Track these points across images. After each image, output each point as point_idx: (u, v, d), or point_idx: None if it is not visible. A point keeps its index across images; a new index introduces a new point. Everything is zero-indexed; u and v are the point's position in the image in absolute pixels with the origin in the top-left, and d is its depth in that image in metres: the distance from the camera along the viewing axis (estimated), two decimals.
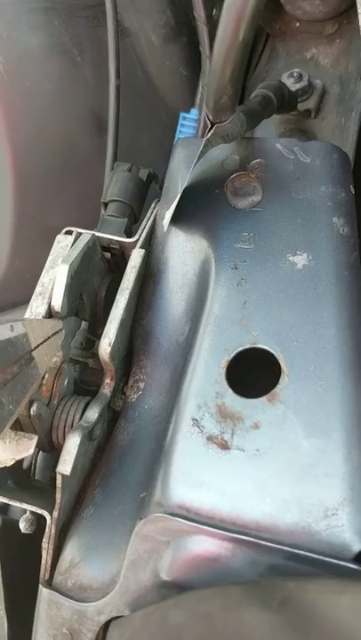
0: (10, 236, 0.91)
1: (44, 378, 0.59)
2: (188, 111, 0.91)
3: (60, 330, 0.58)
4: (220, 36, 0.48)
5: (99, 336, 0.73)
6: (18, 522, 0.77)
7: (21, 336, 0.52)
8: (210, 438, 0.50)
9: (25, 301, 0.97)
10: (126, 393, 0.64)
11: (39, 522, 0.64)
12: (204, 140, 0.56)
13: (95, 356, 0.74)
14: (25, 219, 0.91)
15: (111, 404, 0.63)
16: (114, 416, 0.64)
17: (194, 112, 0.88)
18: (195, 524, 0.46)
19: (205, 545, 0.46)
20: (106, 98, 0.87)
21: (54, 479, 0.60)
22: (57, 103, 0.87)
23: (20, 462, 0.65)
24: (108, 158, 0.80)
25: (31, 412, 0.55)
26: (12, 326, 0.50)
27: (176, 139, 0.90)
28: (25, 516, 0.65)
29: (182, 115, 0.89)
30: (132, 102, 0.90)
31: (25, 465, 0.69)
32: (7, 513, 0.80)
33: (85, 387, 0.67)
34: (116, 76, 0.80)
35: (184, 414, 0.52)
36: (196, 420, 0.51)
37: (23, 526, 0.65)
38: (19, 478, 0.63)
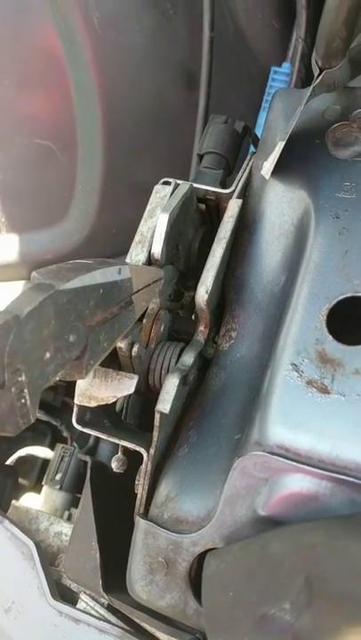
0: (99, 190, 0.93)
1: (142, 322, 0.61)
2: (278, 65, 0.89)
3: (160, 278, 0.60)
4: None
5: (188, 288, 0.76)
6: (104, 463, 0.82)
7: (126, 280, 0.54)
8: (309, 383, 0.50)
9: (110, 256, 1.00)
10: (218, 342, 0.66)
11: (130, 462, 0.67)
12: (311, 87, 0.56)
13: (183, 307, 0.76)
14: (114, 173, 0.92)
15: (203, 352, 0.65)
16: (204, 365, 0.66)
17: (286, 66, 0.87)
18: (295, 463, 0.48)
19: (304, 483, 0.47)
20: (196, 52, 0.87)
21: (149, 420, 0.63)
22: (148, 57, 0.88)
23: (113, 405, 0.68)
24: (199, 112, 0.81)
25: (132, 353, 0.57)
26: (120, 269, 0.52)
27: (266, 93, 0.89)
28: (117, 455, 0.68)
29: (273, 69, 0.87)
30: (222, 56, 0.89)
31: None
32: (95, 455, 0.84)
33: (176, 335, 0.69)
34: (210, 28, 0.79)
35: (283, 359, 0.52)
36: (296, 365, 0.52)
37: (115, 465, 0.68)
38: (113, 419, 0.66)
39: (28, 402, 0.40)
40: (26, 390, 0.40)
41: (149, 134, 0.92)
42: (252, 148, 0.78)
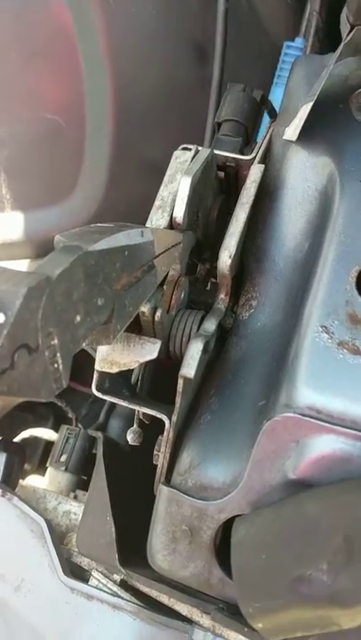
0: (107, 166, 0.92)
1: (162, 288, 0.60)
2: (290, 41, 0.88)
3: (180, 242, 0.59)
4: None
5: (203, 260, 0.74)
6: (115, 440, 0.80)
7: (149, 242, 0.52)
8: (341, 344, 0.49)
9: None
10: (237, 311, 0.64)
11: (145, 434, 0.66)
12: (342, 45, 0.55)
13: (198, 280, 0.74)
14: (123, 149, 0.91)
15: (222, 322, 0.64)
16: (221, 335, 0.65)
17: (299, 41, 0.86)
18: (328, 424, 0.46)
19: (337, 445, 0.46)
20: (209, 27, 0.86)
21: (161, 395, 0.61)
22: (160, 31, 0.87)
23: (129, 376, 0.67)
24: (213, 85, 0.80)
25: (155, 318, 0.56)
26: (142, 232, 0.51)
27: (279, 68, 0.88)
28: (132, 428, 0.67)
29: (286, 43, 0.87)
30: (234, 31, 0.88)
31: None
32: (105, 430, 0.83)
33: (193, 306, 0.68)
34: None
35: (311, 322, 0.51)
36: (325, 327, 0.51)
37: (131, 438, 0.67)
38: (130, 390, 0.64)
39: (61, 366, 0.39)
40: (58, 354, 0.38)
41: (160, 110, 0.90)
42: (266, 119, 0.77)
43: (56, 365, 0.38)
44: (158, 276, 0.55)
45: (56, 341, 0.38)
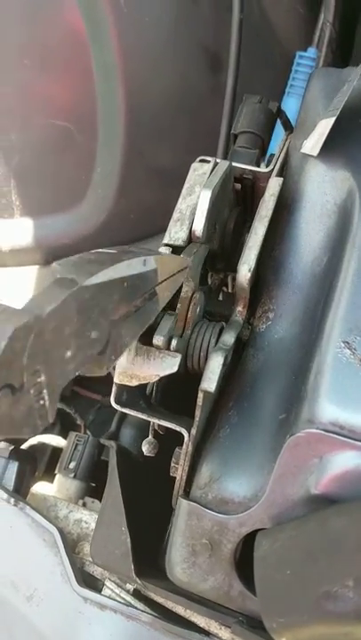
0: (118, 173, 0.92)
1: (176, 309, 0.59)
2: (302, 51, 0.89)
3: (186, 267, 0.58)
4: None
5: (218, 270, 0.75)
6: (128, 449, 0.80)
7: (152, 271, 0.51)
8: None
9: (128, 242, 0.99)
10: (253, 323, 0.65)
11: (160, 445, 0.66)
12: None
13: (211, 290, 0.75)
14: (134, 156, 0.91)
15: (239, 334, 0.64)
16: (237, 347, 0.65)
17: (311, 51, 0.86)
18: (352, 441, 0.47)
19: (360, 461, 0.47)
20: (221, 35, 0.86)
21: (175, 406, 0.61)
22: (173, 39, 0.87)
23: (145, 386, 0.67)
24: (227, 94, 0.80)
25: (171, 349, 0.55)
26: (145, 260, 0.50)
27: (291, 78, 0.88)
28: (148, 439, 0.67)
29: (299, 54, 0.87)
30: (245, 41, 0.88)
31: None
32: (117, 439, 0.83)
33: (209, 317, 0.68)
34: (239, 9, 0.78)
35: (333, 337, 0.52)
36: (348, 343, 0.51)
37: (146, 449, 0.67)
38: (147, 402, 0.64)
39: (47, 402, 0.38)
40: (45, 391, 0.37)
41: (171, 118, 0.91)
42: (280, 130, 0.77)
43: (42, 402, 0.37)
44: (161, 302, 0.53)
45: (43, 378, 0.36)
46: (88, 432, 0.97)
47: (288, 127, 0.73)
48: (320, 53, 0.85)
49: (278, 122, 0.75)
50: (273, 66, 0.91)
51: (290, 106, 0.83)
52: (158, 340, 0.55)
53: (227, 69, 0.84)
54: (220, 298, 0.78)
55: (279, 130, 0.75)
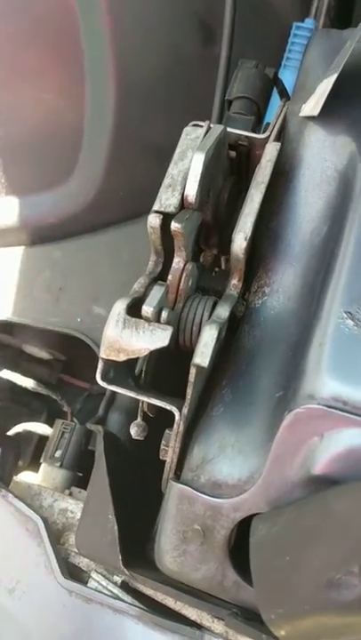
0: (107, 149, 0.88)
1: (166, 282, 0.56)
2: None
3: None
4: None
5: (210, 246, 0.71)
6: (115, 435, 0.76)
7: None
8: None
9: (118, 221, 0.95)
10: (249, 298, 0.61)
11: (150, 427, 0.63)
12: None
13: (204, 268, 0.71)
14: (124, 132, 0.87)
15: (233, 309, 0.60)
16: (231, 323, 0.62)
17: (309, 21, 0.83)
18: (356, 417, 0.43)
19: None
20: (215, 5, 0.82)
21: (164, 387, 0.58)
22: (165, 8, 0.83)
23: (133, 365, 0.63)
24: (221, 65, 0.76)
25: (161, 321, 0.52)
26: None
27: (287, 50, 0.84)
28: (136, 421, 0.63)
29: (296, 24, 0.83)
30: (240, 12, 0.84)
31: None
32: (105, 424, 0.79)
33: (201, 293, 0.64)
34: None
35: (334, 308, 0.48)
36: (350, 314, 0.47)
37: (135, 432, 0.63)
38: (134, 380, 0.61)
39: None
40: None
41: (163, 90, 0.87)
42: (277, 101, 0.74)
43: None
44: None
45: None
46: (75, 420, 0.93)
47: (285, 95, 0.69)
48: (318, 24, 0.81)
49: (275, 93, 0.72)
50: (269, 36, 0.87)
51: (286, 78, 0.79)
52: (147, 310, 0.51)
53: (221, 42, 0.80)
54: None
55: (275, 101, 0.71)
